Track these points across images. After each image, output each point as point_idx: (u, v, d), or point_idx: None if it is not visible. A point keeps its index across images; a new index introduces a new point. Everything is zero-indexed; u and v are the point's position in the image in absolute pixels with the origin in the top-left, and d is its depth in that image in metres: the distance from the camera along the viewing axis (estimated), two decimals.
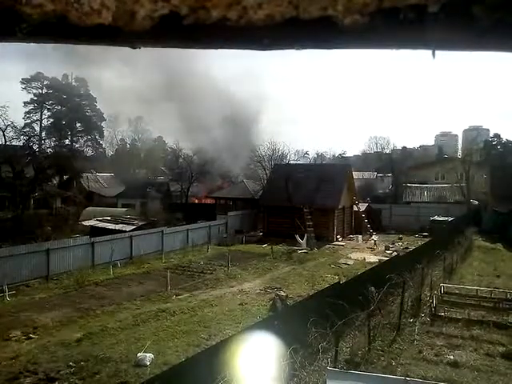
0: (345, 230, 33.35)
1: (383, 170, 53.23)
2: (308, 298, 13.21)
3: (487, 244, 28.78)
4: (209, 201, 45.47)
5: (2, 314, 14.80)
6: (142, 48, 0.68)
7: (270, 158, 41.98)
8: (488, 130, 77.97)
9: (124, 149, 67.42)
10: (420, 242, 26.10)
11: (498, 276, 20.23)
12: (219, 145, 44.20)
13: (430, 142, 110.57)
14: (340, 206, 32.06)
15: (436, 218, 34.06)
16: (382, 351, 11.29)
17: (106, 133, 64.63)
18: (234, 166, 46.02)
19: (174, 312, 14.74)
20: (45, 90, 59.30)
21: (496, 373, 10.33)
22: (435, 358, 11.04)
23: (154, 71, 50.96)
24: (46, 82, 58.61)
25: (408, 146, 68.66)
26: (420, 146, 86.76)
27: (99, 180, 49.72)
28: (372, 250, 28.12)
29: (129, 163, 57.33)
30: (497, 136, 56.59)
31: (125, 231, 25.11)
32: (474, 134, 67.67)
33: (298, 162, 42.58)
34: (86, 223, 28.41)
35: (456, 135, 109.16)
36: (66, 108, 57.96)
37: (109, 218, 28.63)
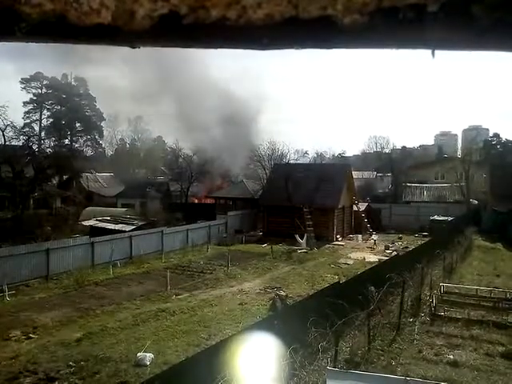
0: (344, 229, 33.36)
1: (383, 170, 53.25)
2: (308, 298, 13.22)
3: (487, 243, 28.80)
4: (209, 201, 45.46)
5: (2, 314, 14.80)
6: (142, 48, 0.68)
7: (269, 158, 41.98)
8: (488, 129, 78.08)
9: (124, 148, 67.43)
10: (420, 242, 26.11)
11: (498, 275, 20.24)
12: (219, 144, 44.21)
13: (430, 141, 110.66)
14: (340, 206, 32.07)
15: (436, 217, 34.08)
16: (381, 351, 11.30)
17: (105, 132, 64.69)
18: (234, 166, 46.02)
19: (173, 312, 14.75)
20: (44, 90, 59.31)
21: (496, 372, 10.33)
22: (435, 358, 11.05)
23: (153, 70, 50.96)
24: (45, 82, 58.61)
25: (408, 146, 68.76)
26: (420, 146, 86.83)
27: (99, 180, 49.71)
28: (372, 249, 28.13)
29: (128, 163, 57.33)
30: (496, 136, 56.63)
31: (124, 231, 25.11)
32: (473, 133, 67.74)
33: (298, 162, 42.49)
34: (86, 223, 28.41)
35: (456, 135, 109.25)
36: (66, 108, 57.94)
37: (108, 218, 28.63)
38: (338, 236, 31.71)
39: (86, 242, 21.94)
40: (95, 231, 25.52)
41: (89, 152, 60.50)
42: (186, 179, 44.40)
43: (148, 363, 10.61)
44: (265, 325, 9.56)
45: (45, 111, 60.12)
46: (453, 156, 55.07)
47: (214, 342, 10.53)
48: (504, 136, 55.01)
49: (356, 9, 0.58)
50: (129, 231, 25.13)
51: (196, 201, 48.14)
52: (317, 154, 65.06)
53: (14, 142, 35.61)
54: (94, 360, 10.93)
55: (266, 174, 39.85)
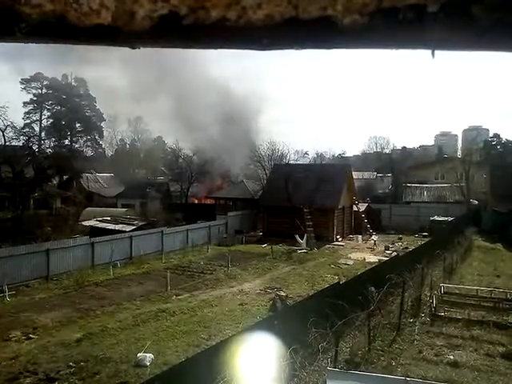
0: (344, 230, 33.35)
1: (383, 170, 53.24)
2: (308, 298, 13.21)
3: (487, 244, 28.78)
4: (209, 201, 45.45)
5: (2, 315, 14.79)
6: (142, 48, 0.68)
7: (269, 158, 41.97)
8: (488, 129, 78.07)
9: (124, 149, 67.47)
10: (420, 242, 26.09)
11: (498, 276, 20.23)
12: (219, 145, 44.21)
13: (430, 141, 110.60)
14: (340, 206, 32.06)
15: (436, 217, 34.07)
16: (381, 351, 11.29)
17: (105, 133, 64.69)
18: (234, 166, 46.04)
19: (173, 312, 14.74)
20: (44, 91, 59.33)
21: (496, 373, 10.33)
22: (435, 358, 11.05)
23: (153, 71, 50.94)
24: (45, 82, 58.63)
25: (408, 146, 68.73)
26: (420, 146, 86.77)
27: (99, 180, 49.73)
28: (372, 249, 28.12)
29: (128, 163, 57.37)
30: (496, 136, 56.65)
31: (125, 231, 25.11)
32: (473, 133, 67.73)
33: (298, 162, 42.50)
34: (86, 223, 28.41)
35: (456, 135, 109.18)
36: (66, 108, 57.96)
37: (108, 219, 28.63)
38: (338, 236, 31.70)
39: (86, 242, 21.94)
40: (95, 231, 25.52)
41: (89, 152, 60.51)
42: (185, 179, 44.41)
43: (148, 364, 10.61)
44: (265, 325, 9.55)
45: (45, 111, 60.15)
46: (453, 156, 55.05)
47: (214, 343, 10.53)
48: (504, 136, 55.08)
49: (356, 9, 0.58)
50: (129, 231, 25.13)
51: (196, 201, 48.14)
52: (317, 154, 65.08)
53: (14, 143, 35.65)
54: (94, 360, 10.92)
55: (266, 174, 39.85)
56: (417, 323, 13.31)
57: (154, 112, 63.38)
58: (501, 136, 55.53)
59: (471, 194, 40.40)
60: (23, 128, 45.19)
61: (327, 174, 31.79)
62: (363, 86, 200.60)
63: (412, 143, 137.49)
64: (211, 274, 20.95)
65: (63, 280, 19.55)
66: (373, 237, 31.02)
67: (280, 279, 19.85)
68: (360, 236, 32.00)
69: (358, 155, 73.67)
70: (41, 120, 59.99)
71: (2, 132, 33.93)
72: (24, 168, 32.83)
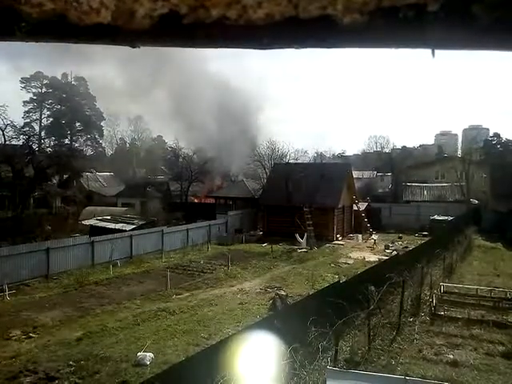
0: (345, 229, 33.36)
1: (383, 169, 53.24)
2: (308, 298, 13.21)
3: (487, 243, 28.78)
4: (209, 200, 45.45)
5: (2, 314, 14.80)
6: (142, 47, 0.68)
7: (269, 157, 41.98)
8: (488, 129, 78.20)
9: (124, 148, 67.47)
10: (420, 242, 26.11)
11: (498, 275, 20.23)
12: (219, 144, 44.22)
13: (430, 141, 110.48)
14: (340, 206, 32.07)
15: (436, 217, 34.07)
16: (381, 350, 11.30)
17: (105, 132, 64.73)
18: (234, 166, 46.03)
19: (173, 311, 14.75)
20: (44, 90, 59.31)
21: (496, 372, 10.33)
22: (435, 357, 11.05)
23: (153, 69, 50.89)
24: (45, 82, 58.63)
25: (408, 145, 68.78)
26: (420, 146, 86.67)
27: (99, 179, 49.76)
28: (372, 249, 28.12)
29: (128, 162, 57.39)
30: (496, 135, 56.70)
31: (125, 230, 25.12)
32: (473, 133, 67.85)
33: (298, 162, 42.47)
34: (86, 222, 28.42)
35: (456, 134, 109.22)
36: (66, 107, 57.99)
37: (109, 218, 28.64)
38: (338, 235, 31.71)
39: (86, 241, 21.95)
40: (95, 230, 25.52)
41: (89, 151, 60.65)
42: (186, 179, 44.40)
43: (148, 363, 10.62)
44: (265, 324, 9.55)
45: (45, 111, 60.18)
46: (453, 156, 55.11)
47: (214, 342, 10.53)
48: (504, 136, 55.15)
49: (356, 8, 0.58)
50: (129, 230, 25.14)
51: (196, 200, 48.13)
52: (317, 153, 64.95)
53: (14, 142, 35.67)
54: (94, 359, 10.93)
55: (266, 173, 39.85)
56: (417, 322, 13.32)
57: (152, 111, 63.44)
58: (501, 135, 55.69)
59: (471, 194, 40.41)
60: (23, 127, 45.24)
61: (327, 174, 31.81)
62: (363, 86, 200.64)
63: (412, 142, 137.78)
64: (211, 273, 20.96)
65: (63, 279, 19.57)
66: (373, 236, 31.03)
67: (280, 278, 19.86)
68: (360, 235, 32.01)
69: (358, 154, 73.65)
70: (41, 119, 60.04)
71: (2, 131, 33.97)
72: (24, 167, 32.84)
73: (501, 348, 11.56)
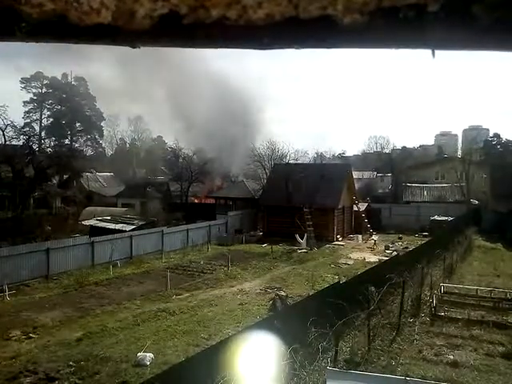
0: (345, 229, 33.36)
1: (383, 170, 53.24)
2: (308, 298, 13.21)
3: (487, 244, 28.77)
4: (209, 200, 45.45)
5: (2, 314, 14.80)
6: (142, 47, 0.68)
7: (269, 158, 41.98)
8: (488, 129, 78.21)
9: (124, 148, 67.50)
10: (420, 242, 26.09)
11: (498, 276, 20.23)
12: (219, 144, 44.22)
13: (430, 141, 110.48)
14: (340, 206, 32.07)
15: (436, 217, 34.07)
16: (381, 351, 11.29)
17: (105, 132, 64.77)
18: (234, 166, 46.04)
19: (173, 312, 14.75)
20: (44, 90, 59.34)
21: (496, 372, 10.33)
22: (435, 358, 11.05)
23: (152, 69, 50.95)
24: (45, 82, 58.65)
25: (408, 146, 68.73)
26: (420, 146, 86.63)
27: (99, 179, 49.78)
28: (372, 249, 28.11)
29: (128, 163, 57.41)
30: (496, 136, 56.72)
31: (125, 231, 25.13)
32: (473, 133, 67.88)
33: (298, 162, 42.47)
34: (86, 223, 28.42)
35: (456, 135, 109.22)
36: (66, 107, 58.03)
37: (109, 218, 28.64)
38: (338, 236, 31.70)
39: (86, 241, 21.95)
40: (95, 231, 25.53)
41: (89, 152, 60.68)
42: (186, 179, 44.40)
43: (148, 363, 10.61)
44: (265, 325, 9.55)
45: (45, 111, 60.21)
46: (453, 156, 55.13)
47: (214, 342, 10.53)
48: (504, 136, 55.17)
49: (356, 8, 0.58)
50: (129, 231, 25.14)
51: (196, 201, 48.14)
52: (317, 153, 64.95)
53: (14, 142, 35.71)
54: (94, 360, 10.93)
55: (266, 173, 39.84)
56: (417, 323, 13.32)
57: (152, 111, 63.48)
58: (501, 136, 55.66)
59: (471, 194, 40.41)
60: (23, 127, 45.29)
61: (327, 174, 31.81)
62: (363, 86, 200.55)
63: (412, 143, 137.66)
64: (211, 273, 20.96)
65: (63, 279, 19.57)
66: (373, 236, 31.03)
67: (280, 279, 19.85)
68: (360, 236, 32.00)
69: (358, 155, 73.62)
70: (41, 119, 60.07)
71: (2, 131, 33.99)
72: (24, 167, 32.85)
73: (501, 348, 11.56)
